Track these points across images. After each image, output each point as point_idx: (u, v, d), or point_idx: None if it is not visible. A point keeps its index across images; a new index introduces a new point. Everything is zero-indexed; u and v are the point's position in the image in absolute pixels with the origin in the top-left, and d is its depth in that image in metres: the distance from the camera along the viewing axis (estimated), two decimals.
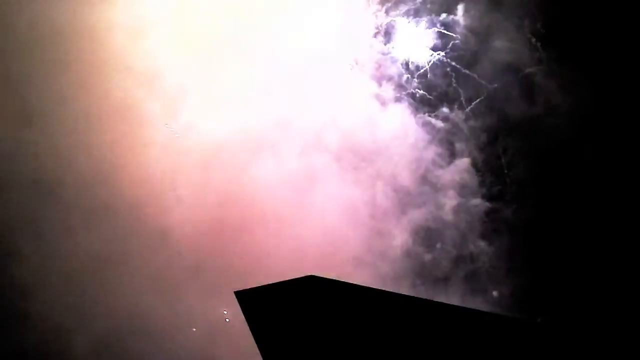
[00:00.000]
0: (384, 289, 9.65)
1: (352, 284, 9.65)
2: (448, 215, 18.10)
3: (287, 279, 17.03)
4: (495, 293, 17.25)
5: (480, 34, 18.94)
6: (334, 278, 9.33)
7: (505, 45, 18.60)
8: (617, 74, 16.65)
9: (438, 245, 17.91)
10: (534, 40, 18.21)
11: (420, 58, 19.24)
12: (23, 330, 15.98)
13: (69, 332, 16.22)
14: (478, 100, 18.83)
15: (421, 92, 19.23)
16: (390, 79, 19.46)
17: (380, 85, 19.50)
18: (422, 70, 19.28)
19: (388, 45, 19.47)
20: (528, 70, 18.24)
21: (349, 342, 8.82)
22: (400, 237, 18.07)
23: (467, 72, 18.98)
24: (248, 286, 16.58)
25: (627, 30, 16.55)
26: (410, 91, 19.31)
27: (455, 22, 18.98)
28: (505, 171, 18.12)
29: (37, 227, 17.00)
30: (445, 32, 19.04)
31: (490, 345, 8.34)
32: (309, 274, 9.44)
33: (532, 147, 17.84)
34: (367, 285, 9.67)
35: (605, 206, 16.36)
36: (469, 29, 18.97)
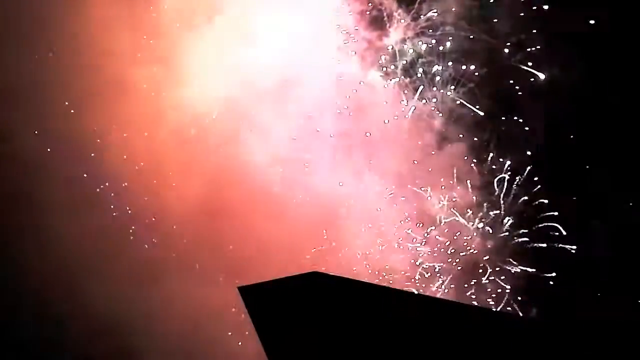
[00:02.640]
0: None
1: (356, 280, 9.73)
2: (440, 205, 18.19)
3: (280, 263, 17.20)
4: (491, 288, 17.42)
5: (470, 17, 18.79)
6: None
7: (495, 28, 18.49)
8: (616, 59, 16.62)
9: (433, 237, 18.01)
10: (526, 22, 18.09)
11: (408, 43, 19.08)
12: (16, 319, 15.89)
13: (62, 321, 16.17)
14: (468, 85, 18.82)
15: (408, 78, 19.15)
16: (378, 65, 19.35)
17: (368, 71, 19.35)
18: (409, 57, 19.17)
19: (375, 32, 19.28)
20: (519, 54, 18.18)
21: (353, 338, 8.93)
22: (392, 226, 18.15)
23: (455, 56, 18.92)
24: (242, 274, 16.71)
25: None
26: (398, 77, 19.21)
27: (445, 6, 18.81)
28: (497, 159, 18.17)
29: (25, 216, 16.76)
30: (434, 16, 18.90)
31: (495, 342, 8.51)
32: (313, 271, 9.48)
33: (526, 131, 17.87)
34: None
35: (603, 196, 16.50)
36: (459, 14, 18.83)
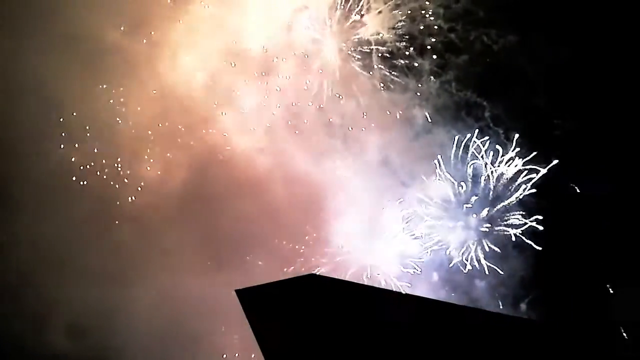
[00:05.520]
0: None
1: (351, 282, 9.80)
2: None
3: (266, 253, 17.06)
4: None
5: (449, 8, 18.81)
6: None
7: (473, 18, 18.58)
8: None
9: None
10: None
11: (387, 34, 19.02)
12: None
13: (38, 321, 15.75)
14: (446, 75, 18.90)
15: (387, 69, 19.12)
16: (357, 56, 19.26)
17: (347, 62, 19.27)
18: (388, 47, 19.13)
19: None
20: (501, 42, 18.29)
21: (349, 339, 9.01)
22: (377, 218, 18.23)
23: (435, 46, 18.96)
24: (229, 264, 16.54)
25: None
26: (377, 67, 19.17)
27: None
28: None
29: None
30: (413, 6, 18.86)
31: (489, 342, 8.70)
32: (310, 273, 9.53)
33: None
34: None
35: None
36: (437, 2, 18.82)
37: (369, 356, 9.11)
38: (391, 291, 10.06)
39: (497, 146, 17.92)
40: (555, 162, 17.38)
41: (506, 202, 17.56)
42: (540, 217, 17.18)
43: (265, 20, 18.89)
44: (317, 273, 9.44)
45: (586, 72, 16.97)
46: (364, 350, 9.19)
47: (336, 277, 9.54)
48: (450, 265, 17.57)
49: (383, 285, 16.19)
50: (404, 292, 9.00)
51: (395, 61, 19.18)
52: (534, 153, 17.59)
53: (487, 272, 17.42)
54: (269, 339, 9.40)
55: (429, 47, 19.04)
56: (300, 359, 9.51)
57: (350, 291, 9.50)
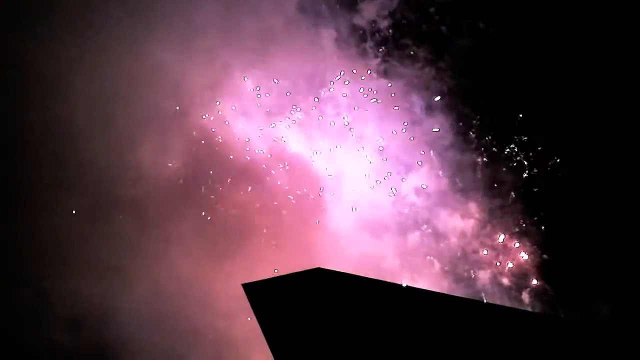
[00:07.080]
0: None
1: (359, 276, 9.78)
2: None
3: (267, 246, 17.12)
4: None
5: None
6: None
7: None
8: None
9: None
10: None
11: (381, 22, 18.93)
12: None
13: (39, 311, 15.67)
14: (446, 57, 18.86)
15: (382, 57, 19.04)
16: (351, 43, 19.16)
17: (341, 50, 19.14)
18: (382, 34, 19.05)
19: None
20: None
21: (356, 334, 9.05)
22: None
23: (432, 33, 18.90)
24: (230, 258, 16.55)
25: None
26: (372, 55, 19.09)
27: None
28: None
29: None
30: None
31: (498, 337, 8.76)
32: (317, 267, 9.49)
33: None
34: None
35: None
36: None
37: (377, 350, 9.15)
38: (397, 284, 10.08)
39: (497, 140, 18.00)
40: (557, 157, 17.49)
41: (506, 195, 17.66)
42: (542, 214, 17.30)
43: (260, 8, 18.72)
44: (323, 267, 9.37)
45: (590, 64, 16.98)
46: (372, 343, 9.23)
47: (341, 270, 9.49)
48: (451, 257, 17.69)
49: (387, 279, 16.27)
50: (408, 285, 8.95)
51: (391, 48, 19.12)
52: (538, 148, 17.73)
53: (487, 265, 17.58)
54: (276, 333, 9.42)
55: (426, 34, 18.99)
56: (308, 353, 9.54)
57: (358, 284, 9.51)
